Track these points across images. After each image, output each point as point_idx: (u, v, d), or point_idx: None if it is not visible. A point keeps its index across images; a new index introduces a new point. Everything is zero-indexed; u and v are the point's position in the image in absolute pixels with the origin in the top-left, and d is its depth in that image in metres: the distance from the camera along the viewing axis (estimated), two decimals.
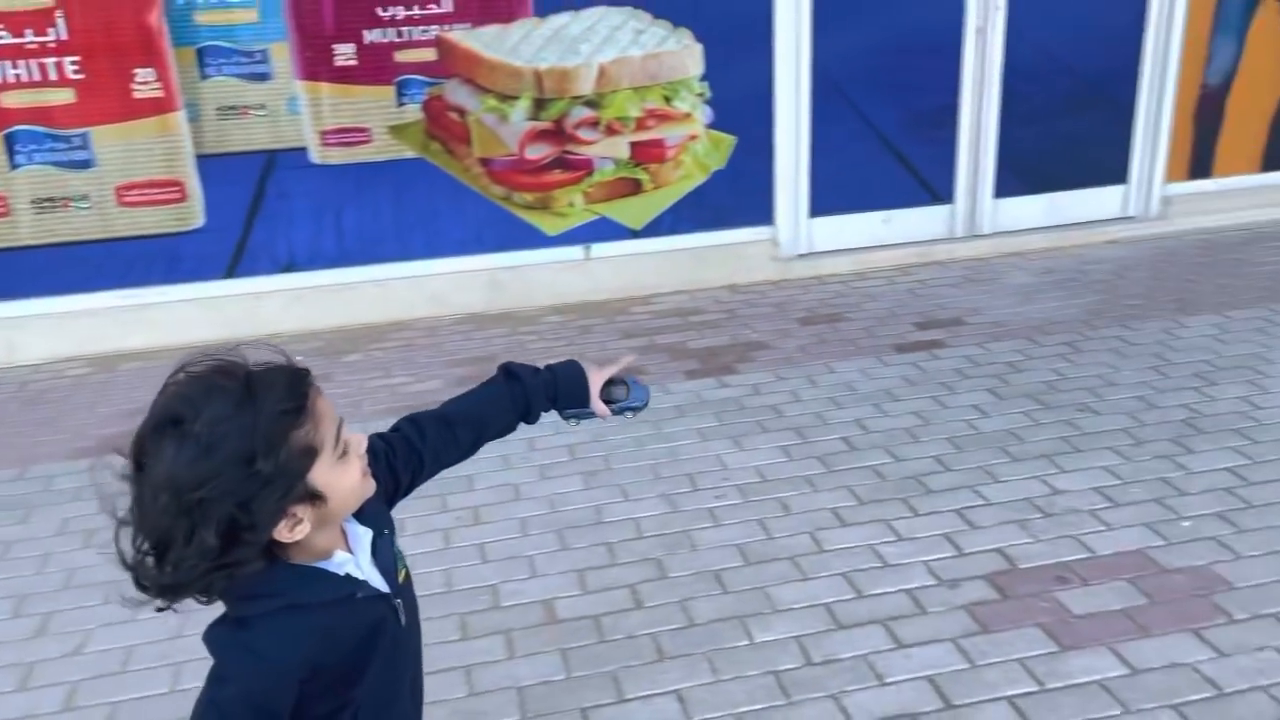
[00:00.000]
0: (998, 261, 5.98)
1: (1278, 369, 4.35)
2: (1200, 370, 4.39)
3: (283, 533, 1.31)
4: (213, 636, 1.37)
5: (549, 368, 1.74)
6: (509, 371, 1.73)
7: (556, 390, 1.72)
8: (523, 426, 1.75)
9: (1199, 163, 6.33)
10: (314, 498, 1.33)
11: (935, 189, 6.02)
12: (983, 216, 6.10)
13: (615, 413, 1.76)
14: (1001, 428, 4.00)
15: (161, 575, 1.27)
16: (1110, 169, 6.23)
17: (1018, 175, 6.11)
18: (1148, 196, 6.30)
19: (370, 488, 1.43)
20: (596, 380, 1.74)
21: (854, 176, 5.87)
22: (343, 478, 1.36)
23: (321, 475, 1.32)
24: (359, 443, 1.41)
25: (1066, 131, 6.10)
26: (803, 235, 5.89)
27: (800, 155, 5.73)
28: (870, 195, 5.93)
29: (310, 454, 1.31)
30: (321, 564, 1.39)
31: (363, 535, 1.46)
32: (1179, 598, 2.96)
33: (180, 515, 1.23)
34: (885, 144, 5.87)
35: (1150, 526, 3.32)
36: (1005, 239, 6.14)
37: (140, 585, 1.29)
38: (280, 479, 1.27)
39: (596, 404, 1.74)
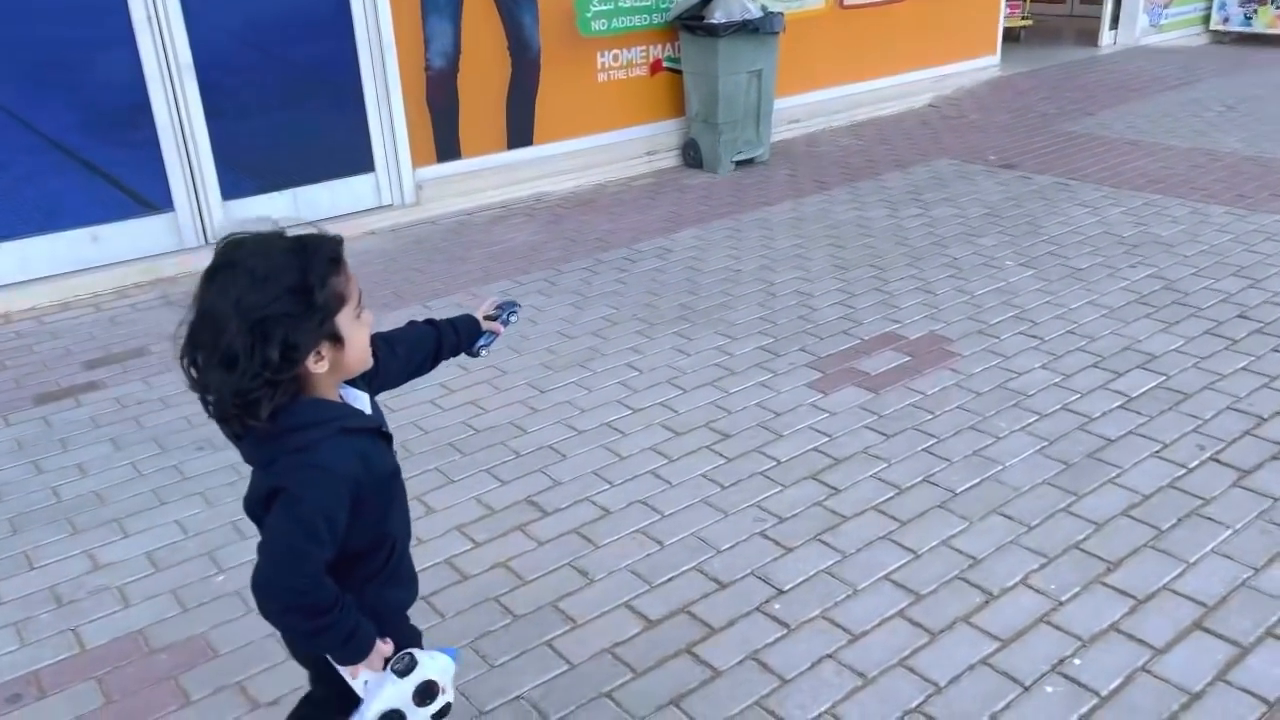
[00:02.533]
0: None
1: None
2: None
3: (311, 363, 1.56)
4: (282, 470, 1.58)
5: (448, 320, 2.06)
6: (430, 321, 2.03)
7: (456, 331, 2.04)
8: None
9: (445, 145, 6.30)
10: (336, 340, 1.59)
11: (147, 198, 5.38)
12: (215, 222, 5.57)
13: (505, 323, 2.14)
14: (94, 488, 3.47)
15: (228, 383, 1.50)
16: (354, 158, 5.99)
17: (249, 173, 5.65)
18: (399, 183, 6.16)
19: (369, 361, 1.69)
20: (480, 316, 2.10)
21: (30, 196, 5.05)
22: (358, 334, 1.63)
23: (345, 324, 1.59)
24: (370, 317, 1.68)
25: (293, 123, 5.73)
26: None
27: None
28: (61, 213, 5.15)
29: (341, 300, 1.58)
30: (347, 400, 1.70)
31: (362, 397, 1.74)
32: None
33: (247, 334, 1.49)
34: (66, 153, 5.11)
35: None
36: None
37: (207, 404, 1.56)
38: (321, 311, 1.54)
39: (489, 325, 2.10)
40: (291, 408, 1.56)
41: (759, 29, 6.76)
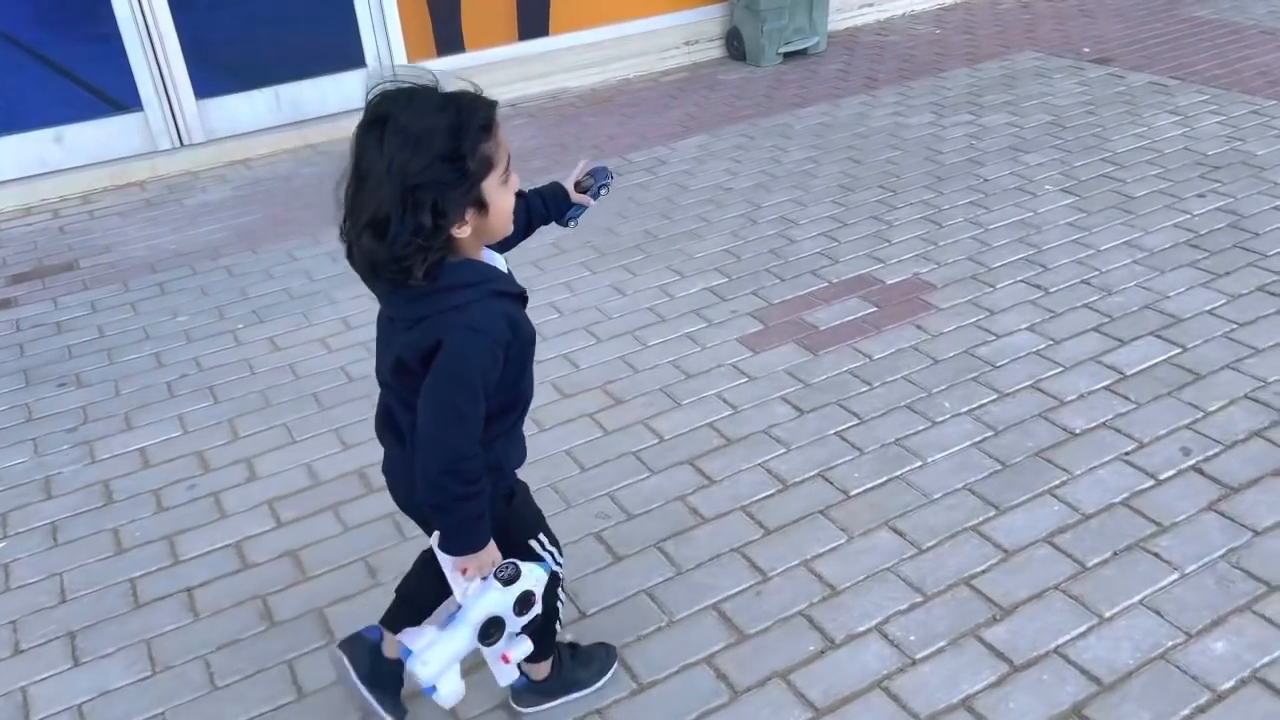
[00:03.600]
0: (211, 175, 5.21)
1: None
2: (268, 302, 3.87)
3: (455, 228, 1.55)
4: (438, 328, 1.58)
5: (536, 191, 2.00)
6: (519, 192, 1.78)
7: (544, 203, 1.99)
8: None
9: (446, 37, 5.76)
10: (481, 206, 1.57)
11: (114, 96, 5.11)
12: (190, 123, 5.28)
13: (595, 195, 2.01)
14: None
15: (379, 249, 1.52)
16: (342, 52, 5.54)
17: (224, 70, 5.30)
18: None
19: (510, 226, 1.67)
20: (569, 185, 2.01)
21: None
22: (502, 199, 1.60)
23: (491, 190, 1.57)
24: (516, 181, 1.64)
25: (271, 14, 5.32)
26: None
27: None
28: (20, 113, 4.94)
29: (489, 165, 1.56)
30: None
31: (499, 259, 1.74)
32: None
33: (399, 200, 1.48)
34: (22, 48, 4.86)
35: None
36: (227, 145, 5.36)
37: (353, 257, 1.58)
38: (470, 177, 1.53)
39: (578, 197, 2.01)
40: (448, 267, 1.57)
41: None
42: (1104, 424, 2.83)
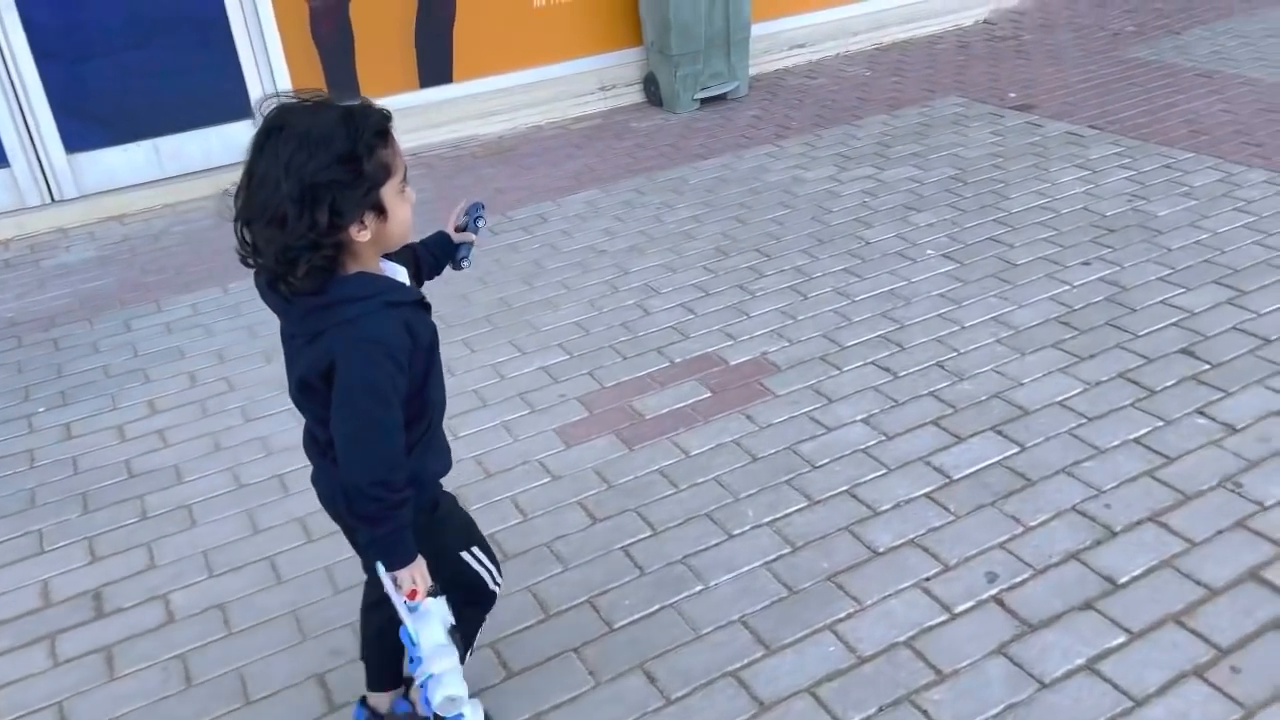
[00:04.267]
0: (81, 231, 5.01)
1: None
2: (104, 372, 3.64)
3: (354, 232, 1.58)
4: (335, 342, 1.60)
5: (421, 242, 1.97)
6: (407, 246, 1.83)
7: (432, 253, 1.99)
8: None
9: (340, 84, 5.53)
10: (380, 211, 1.61)
11: None
12: (60, 177, 5.09)
13: (474, 230, 2.03)
14: None
15: (273, 244, 1.54)
16: (227, 103, 5.31)
17: (97, 122, 5.11)
18: None
19: (410, 235, 1.72)
20: (450, 229, 2.03)
21: None
22: (400, 208, 1.64)
23: (390, 197, 1.61)
24: (412, 195, 1.68)
25: (147, 64, 5.13)
26: None
27: None
28: None
29: (387, 171, 1.60)
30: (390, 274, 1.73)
31: (400, 271, 1.77)
32: None
33: (297, 197, 1.52)
34: None
35: None
36: (103, 200, 5.16)
37: (254, 265, 1.62)
38: (367, 180, 1.57)
39: (460, 236, 2.02)
40: (340, 280, 1.60)
41: None
42: (912, 540, 2.56)
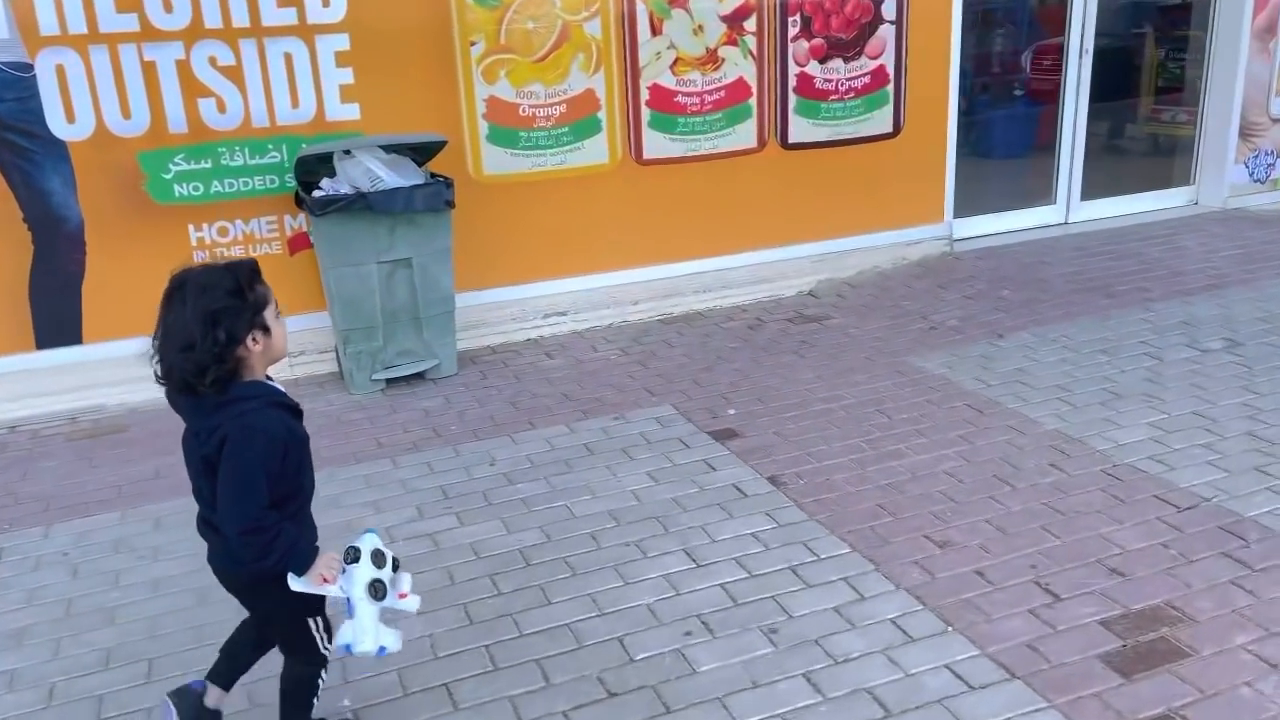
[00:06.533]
0: None
1: None
2: None
3: (247, 346, 2.18)
4: (228, 426, 2.15)
5: None
6: None
7: None
8: None
9: None
10: (265, 329, 2.21)
11: None
12: None
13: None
14: None
15: (187, 362, 2.12)
16: None
17: None
18: None
19: (286, 350, 2.33)
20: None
21: None
22: (279, 328, 2.26)
23: (270, 318, 2.23)
24: (284, 322, 2.30)
25: None
26: None
27: None
28: None
29: (265, 300, 2.22)
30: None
31: (280, 388, 2.33)
32: None
33: (201, 324, 2.11)
34: None
35: None
36: None
37: (166, 382, 2.19)
38: (252, 307, 2.18)
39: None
40: (237, 385, 2.18)
41: (385, 207, 4.78)
42: None
